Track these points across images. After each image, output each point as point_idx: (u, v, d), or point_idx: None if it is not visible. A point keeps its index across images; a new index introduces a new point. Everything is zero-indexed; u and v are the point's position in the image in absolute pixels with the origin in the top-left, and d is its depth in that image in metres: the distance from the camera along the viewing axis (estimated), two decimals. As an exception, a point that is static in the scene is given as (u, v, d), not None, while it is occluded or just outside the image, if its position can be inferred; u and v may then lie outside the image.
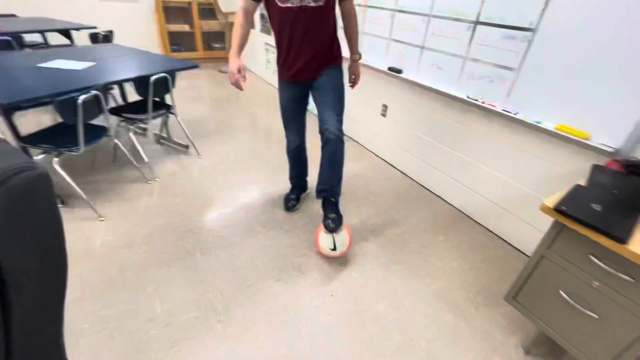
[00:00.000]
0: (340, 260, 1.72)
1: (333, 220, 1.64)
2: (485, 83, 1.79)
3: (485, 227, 2.04)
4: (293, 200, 2.06)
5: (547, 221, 1.09)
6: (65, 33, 3.54)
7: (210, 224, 1.90)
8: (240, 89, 1.50)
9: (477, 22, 1.74)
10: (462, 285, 1.64)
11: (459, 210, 2.19)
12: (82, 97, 1.63)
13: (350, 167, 2.60)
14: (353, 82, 1.81)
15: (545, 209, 1.03)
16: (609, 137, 1.38)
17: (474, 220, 2.10)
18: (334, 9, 1.53)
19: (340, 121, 1.61)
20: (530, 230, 1.79)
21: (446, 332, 1.40)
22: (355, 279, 1.62)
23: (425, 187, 2.42)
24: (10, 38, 2.72)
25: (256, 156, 2.68)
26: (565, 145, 1.54)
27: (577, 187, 1.12)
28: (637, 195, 1.08)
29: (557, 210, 1.00)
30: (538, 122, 1.58)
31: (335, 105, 1.60)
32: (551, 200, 1.05)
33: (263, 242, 1.80)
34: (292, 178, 2.07)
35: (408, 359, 1.28)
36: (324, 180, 1.66)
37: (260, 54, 4.71)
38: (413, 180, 2.51)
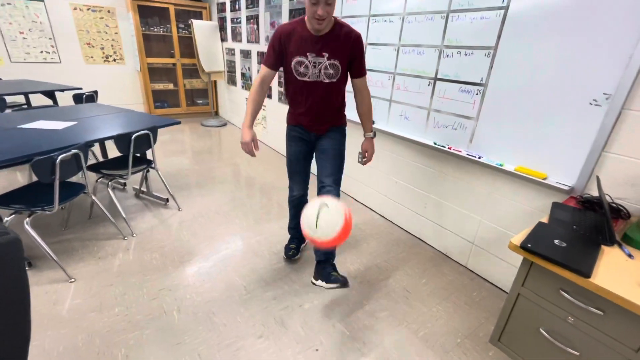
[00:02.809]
0: (324, 311, 1.67)
1: (342, 283, 1.60)
2: (449, 131, 1.94)
3: (465, 267, 2.07)
4: (293, 249, 2.01)
5: (520, 258, 1.13)
6: (49, 94, 3.63)
7: (188, 280, 1.83)
8: (253, 155, 1.63)
9: (436, 79, 1.95)
10: (448, 329, 1.61)
11: (439, 251, 2.22)
12: (60, 156, 1.64)
13: (332, 213, 2.63)
14: (365, 159, 1.80)
15: (512, 247, 1.09)
16: (564, 175, 1.50)
17: (455, 261, 2.13)
18: (344, 83, 1.65)
19: (338, 185, 1.73)
20: (507, 267, 1.82)
21: (437, 382, 1.35)
22: (341, 330, 1.57)
23: (406, 230, 2.46)
24: (-9, 101, 2.76)
25: (238, 206, 2.69)
26: (527, 185, 1.65)
27: (540, 225, 1.19)
28: (595, 230, 1.16)
29: (523, 247, 1.05)
30: (500, 165, 1.71)
31: (333, 169, 1.70)
32: (517, 238, 1.10)
33: (243, 296, 1.74)
34: (291, 228, 2.04)
35: (399, 417, 1.21)
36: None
37: (241, 108, 4.94)
38: (393, 223, 2.56)
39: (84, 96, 3.35)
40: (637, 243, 1.10)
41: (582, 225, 1.20)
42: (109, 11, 4.84)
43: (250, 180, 3.26)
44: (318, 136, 1.73)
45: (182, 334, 1.49)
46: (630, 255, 1.04)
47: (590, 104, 1.37)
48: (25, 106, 3.77)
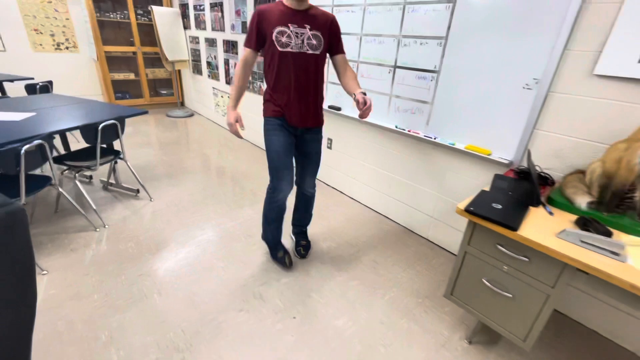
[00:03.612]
0: (300, 284, 1.80)
1: (304, 247, 2.05)
2: (408, 115, 2.12)
3: (426, 239, 2.29)
4: (286, 255, 1.91)
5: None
6: (-3, 85, 3.39)
7: (167, 264, 1.88)
8: (239, 137, 1.69)
9: (396, 66, 2.10)
10: (411, 292, 1.81)
11: (404, 226, 2.43)
12: (25, 147, 1.61)
13: (304, 197, 2.75)
14: (364, 110, 1.45)
15: (459, 211, 1.27)
16: (505, 151, 1.72)
17: (417, 234, 2.34)
18: (324, 60, 1.61)
19: (315, 180, 1.89)
20: (460, 235, 2.05)
21: (401, 336, 1.54)
22: (316, 299, 1.71)
23: (373, 209, 2.64)
24: None
25: (210, 194, 2.73)
26: (475, 161, 1.87)
27: (482, 192, 1.39)
28: (526, 195, 1.37)
29: (467, 210, 1.24)
30: (452, 144, 1.91)
31: (315, 171, 1.85)
32: (463, 204, 1.29)
33: (222, 276, 1.83)
34: (276, 237, 1.93)
35: (369, 366, 1.38)
36: (300, 220, 2.07)
37: (208, 98, 4.86)
38: (362, 204, 2.73)
39: (38, 86, 3.16)
40: (557, 203, 1.32)
41: (516, 192, 1.41)
42: (57, -5, 4.51)
43: (221, 170, 3.28)
44: (300, 132, 1.69)
45: (164, 314, 1.56)
46: (550, 213, 1.26)
47: (524, 87, 1.58)
48: (-32, 98, 3.48)
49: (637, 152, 1.13)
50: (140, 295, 1.66)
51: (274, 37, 1.49)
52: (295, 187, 1.89)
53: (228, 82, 4.22)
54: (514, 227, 1.13)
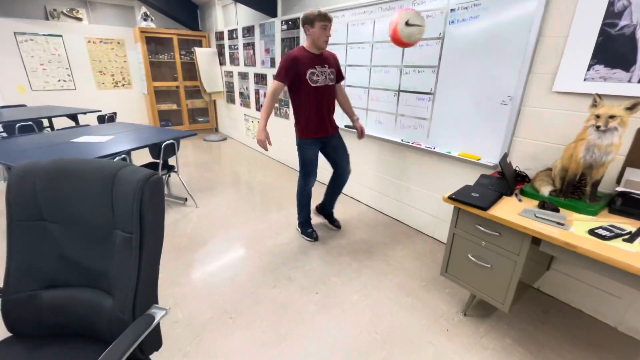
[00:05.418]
0: (322, 270, 2.16)
1: (337, 223, 2.71)
2: (412, 130, 2.51)
3: (432, 237, 2.59)
4: (314, 231, 2.55)
5: (450, 209, 1.66)
6: (72, 117, 4.13)
7: (212, 254, 2.31)
8: (266, 149, 2.20)
9: (400, 90, 2.53)
10: (416, 278, 2.11)
11: (413, 227, 2.75)
12: (115, 159, 2.14)
13: (325, 204, 3.15)
14: (361, 134, 2.46)
15: (444, 199, 1.62)
16: (491, 156, 2.06)
17: (425, 234, 2.65)
18: (335, 86, 2.29)
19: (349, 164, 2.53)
20: (462, 232, 2.35)
21: (405, 308, 1.85)
22: (335, 281, 2.06)
23: (386, 214, 2.99)
24: (32, 123, 3.26)
25: (244, 203, 3.19)
26: (468, 165, 2.21)
27: (465, 186, 1.73)
28: (502, 188, 1.70)
29: (450, 197, 1.59)
30: (449, 152, 2.26)
31: (348, 158, 2.47)
32: (448, 194, 1.64)
33: (258, 263, 2.23)
34: (307, 220, 2.53)
35: (377, 328, 1.70)
36: (331, 201, 2.65)
37: (240, 123, 5.49)
38: (376, 210, 3.08)
39: (106, 117, 3.86)
40: (527, 193, 1.64)
41: (495, 186, 1.73)
42: (118, 42, 5.42)
43: (251, 184, 3.77)
44: (326, 139, 2.31)
45: (214, 287, 1.97)
46: (520, 200, 1.59)
47: (501, 104, 1.94)
48: (48, 128, 4.25)
49: (580, 148, 1.46)
50: (194, 274, 2.09)
51: (307, 77, 2.07)
52: (332, 175, 2.53)
53: (258, 109, 4.81)
54: (484, 207, 1.47)
